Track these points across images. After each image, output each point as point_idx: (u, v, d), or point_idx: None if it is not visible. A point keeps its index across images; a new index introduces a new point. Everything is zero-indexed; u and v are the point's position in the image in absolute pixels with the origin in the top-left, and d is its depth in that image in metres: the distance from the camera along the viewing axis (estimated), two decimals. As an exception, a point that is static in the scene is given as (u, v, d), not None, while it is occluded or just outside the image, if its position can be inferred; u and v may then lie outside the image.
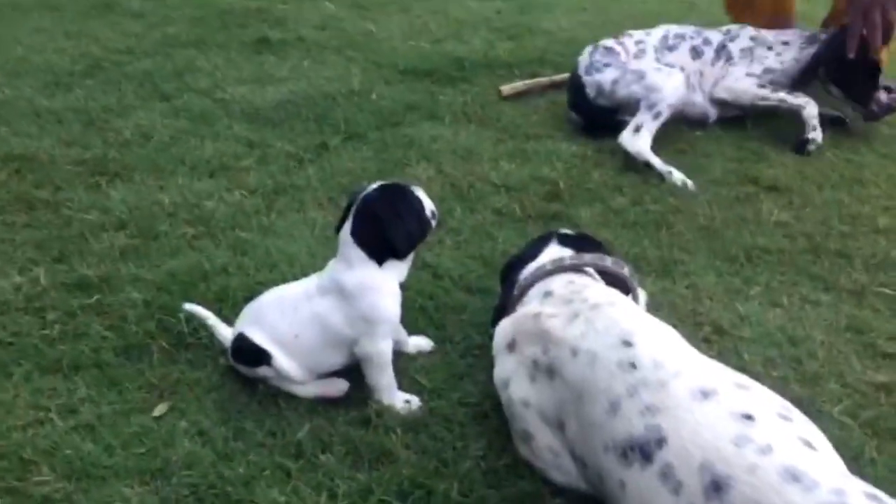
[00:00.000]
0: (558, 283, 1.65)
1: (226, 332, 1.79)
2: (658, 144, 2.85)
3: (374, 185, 1.71)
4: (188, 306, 1.83)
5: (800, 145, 2.91)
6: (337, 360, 1.72)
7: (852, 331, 1.99)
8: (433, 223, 1.76)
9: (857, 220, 2.48)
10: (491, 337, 1.68)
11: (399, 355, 1.81)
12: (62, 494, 1.47)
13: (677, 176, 2.69)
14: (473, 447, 1.61)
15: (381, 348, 1.68)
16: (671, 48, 3.15)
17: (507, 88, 3.36)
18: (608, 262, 1.73)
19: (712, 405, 1.25)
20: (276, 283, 2.02)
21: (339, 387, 1.73)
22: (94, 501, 1.46)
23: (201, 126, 2.97)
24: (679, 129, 3.08)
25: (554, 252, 1.78)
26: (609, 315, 1.48)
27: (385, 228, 1.65)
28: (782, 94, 3.03)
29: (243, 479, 1.51)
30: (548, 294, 1.63)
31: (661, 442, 1.24)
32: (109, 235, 2.24)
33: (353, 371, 1.74)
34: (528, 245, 1.91)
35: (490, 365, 1.68)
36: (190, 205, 2.42)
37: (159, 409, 1.68)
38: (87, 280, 2.04)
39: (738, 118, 3.12)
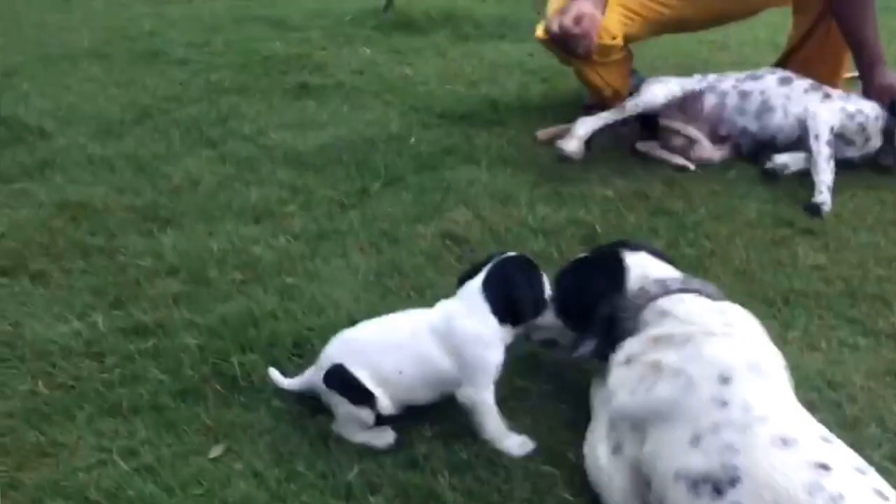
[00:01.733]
0: (673, 304, 1.71)
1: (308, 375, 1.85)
2: (691, 185, 2.90)
3: (513, 254, 1.87)
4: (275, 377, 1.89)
5: (813, 209, 2.85)
6: (430, 397, 1.80)
7: (892, 375, 2.01)
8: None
9: (893, 263, 2.50)
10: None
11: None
12: (126, 535, 1.53)
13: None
14: (518, 490, 1.65)
15: (484, 397, 1.75)
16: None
17: (542, 133, 3.43)
18: (711, 289, 1.79)
19: (790, 452, 1.30)
20: (324, 328, 2.11)
21: (387, 439, 1.78)
22: (156, 541, 1.52)
23: (246, 172, 3.08)
24: (712, 170, 3.13)
25: (649, 265, 1.83)
26: (717, 346, 1.55)
27: (517, 290, 1.77)
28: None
29: (297, 520, 1.57)
30: (665, 314, 1.68)
31: (734, 481, 1.30)
32: (163, 281, 2.33)
33: (403, 418, 1.79)
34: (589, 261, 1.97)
35: (533, 407, 1.73)
36: (238, 250, 2.51)
37: (215, 451, 1.74)
38: (143, 325, 2.13)
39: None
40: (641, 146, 3.28)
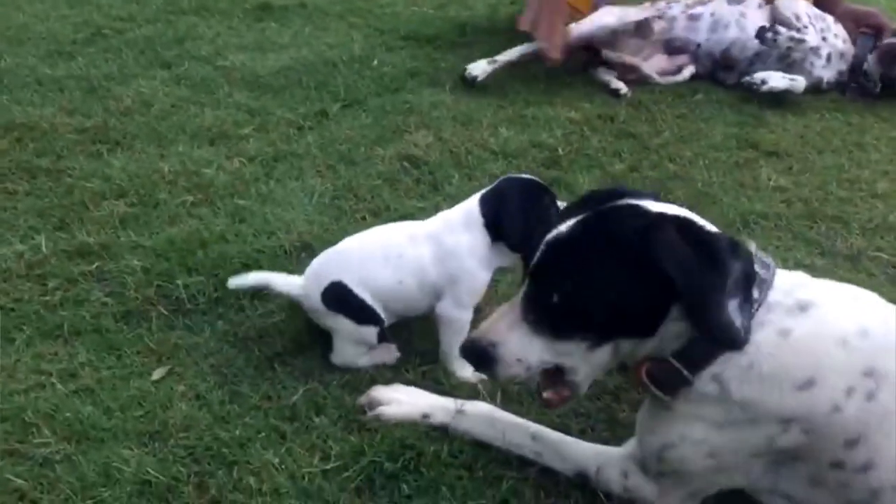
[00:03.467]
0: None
1: (289, 281, 1.75)
2: (657, 108, 2.85)
3: (528, 176, 1.76)
4: (234, 282, 1.76)
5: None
6: (424, 307, 1.74)
7: (846, 295, 2.00)
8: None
9: (855, 185, 2.48)
10: None
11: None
12: (62, 455, 1.50)
13: None
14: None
15: (460, 314, 1.71)
16: None
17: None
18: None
19: None
20: (273, 250, 2.07)
21: (393, 354, 1.76)
22: (93, 463, 1.49)
23: (202, 94, 2.98)
24: (679, 93, 3.08)
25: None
26: None
27: (508, 214, 1.67)
28: None
29: (239, 441, 1.55)
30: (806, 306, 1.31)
31: None
32: (110, 203, 2.27)
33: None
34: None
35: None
36: (189, 173, 2.44)
37: (158, 374, 1.71)
38: (88, 247, 2.07)
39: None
40: (593, 72, 3.21)
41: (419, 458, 1.51)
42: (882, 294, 1.97)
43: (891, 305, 1.37)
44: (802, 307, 1.31)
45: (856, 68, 3.11)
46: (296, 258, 2.04)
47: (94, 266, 2.00)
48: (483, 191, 1.75)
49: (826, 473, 1.30)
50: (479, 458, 1.52)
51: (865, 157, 2.67)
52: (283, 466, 1.49)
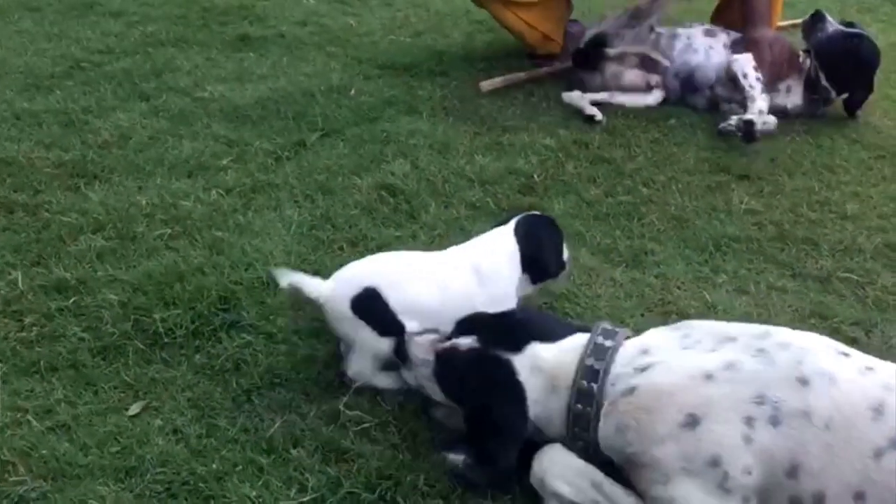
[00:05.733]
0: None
1: (316, 283, 1.76)
2: (632, 133, 2.90)
3: (541, 214, 2.01)
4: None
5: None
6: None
7: (817, 316, 2.04)
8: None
9: (825, 207, 2.53)
10: None
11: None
12: (38, 493, 1.50)
13: None
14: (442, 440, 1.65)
15: None
16: None
17: (486, 84, 3.38)
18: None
19: None
20: (251, 281, 2.08)
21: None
22: (69, 500, 1.49)
23: (180, 126, 3.00)
24: (653, 118, 3.12)
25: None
26: None
27: (545, 249, 1.89)
28: None
29: (216, 474, 1.55)
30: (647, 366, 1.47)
31: None
32: (87, 237, 2.27)
33: (328, 371, 1.78)
34: None
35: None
36: (167, 205, 2.45)
37: (134, 409, 1.71)
38: (65, 282, 2.07)
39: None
40: (566, 97, 3.25)
41: (396, 487, 1.52)
42: (851, 315, 2.03)
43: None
44: (644, 368, 1.43)
45: (810, 85, 3.16)
46: (274, 290, 2.05)
47: (71, 301, 2.01)
48: (512, 224, 1.91)
49: None
50: (457, 487, 1.53)
51: (835, 178, 2.72)
52: (260, 500, 1.50)
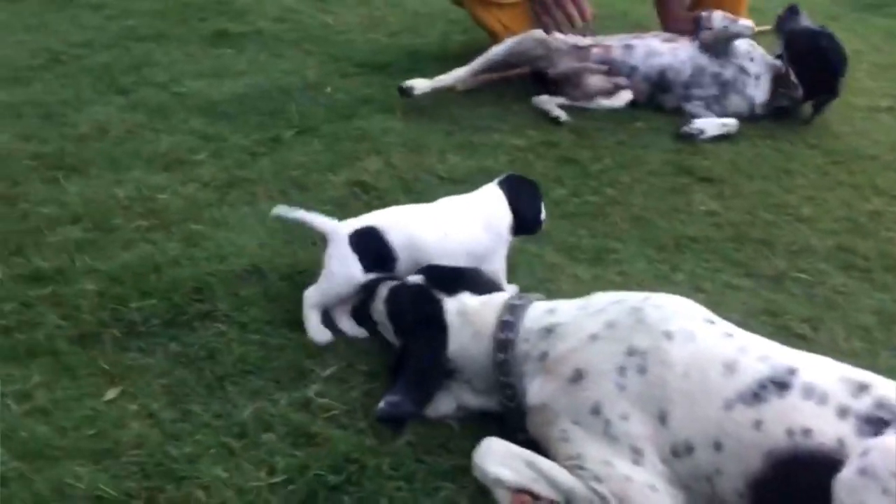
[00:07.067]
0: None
1: (325, 219, 2.00)
2: (599, 135, 2.99)
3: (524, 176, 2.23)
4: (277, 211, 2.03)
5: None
6: None
7: (768, 314, 2.13)
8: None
9: (781, 209, 2.63)
10: None
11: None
12: (16, 474, 1.56)
13: None
14: (407, 425, 1.72)
15: (503, 265, 2.10)
16: None
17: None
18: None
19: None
20: (225, 273, 2.14)
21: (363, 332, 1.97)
22: (46, 480, 1.55)
23: (158, 120, 3.05)
24: (620, 120, 3.21)
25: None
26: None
27: (529, 205, 2.11)
28: None
29: (189, 457, 1.61)
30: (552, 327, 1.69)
31: (793, 371, 1.43)
32: (65, 229, 2.32)
33: (300, 358, 1.85)
34: None
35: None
36: (144, 198, 2.50)
37: (110, 394, 1.77)
38: (43, 272, 2.12)
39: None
40: (535, 101, 3.33)
41: (362, 471, 1.60)
42: (801, 313, 2.13)
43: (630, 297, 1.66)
44: (549, 329, 1.64)
45: (779, 79, 3.28)
46: (247, 282, 2.12)
47: (49, 290, 2.06)
48: (496, 181, 2.14)
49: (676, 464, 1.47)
50: (419, 471, 1.61)
51: (792, 182, 2.83)
52: (231, 481, 1.56)
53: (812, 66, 3.20)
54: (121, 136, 2.90)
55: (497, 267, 2.06)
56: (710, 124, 3.13)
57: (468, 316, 1.73)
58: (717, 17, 3.22)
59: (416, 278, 1.83)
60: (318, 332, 1.93)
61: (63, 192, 2.52)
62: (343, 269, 1.92)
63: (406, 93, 3.18)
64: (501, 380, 1.67)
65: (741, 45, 3.29)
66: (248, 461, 1.61)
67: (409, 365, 1.71)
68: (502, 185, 2.12)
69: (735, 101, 3.24)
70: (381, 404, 1.67)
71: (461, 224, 2.03)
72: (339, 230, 1.96)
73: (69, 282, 2.09)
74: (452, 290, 1.77)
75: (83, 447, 1.63)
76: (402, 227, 1.97)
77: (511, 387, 1.66)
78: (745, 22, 3.24)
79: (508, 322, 1.68)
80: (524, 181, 2.17)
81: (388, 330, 1.86)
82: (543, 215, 2.15)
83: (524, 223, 2.10)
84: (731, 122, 3.09)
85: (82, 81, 3.33)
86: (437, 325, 1.73)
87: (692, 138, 3.08)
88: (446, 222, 2.02)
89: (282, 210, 2.04)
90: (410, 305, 1.79)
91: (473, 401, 1.75)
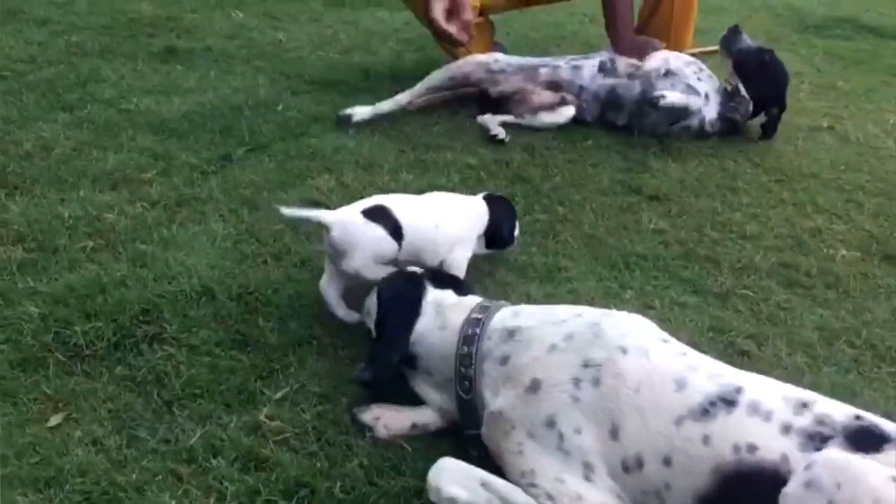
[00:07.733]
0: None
1: (323, 211, 2.07)
2: (550, 154, 3.02)
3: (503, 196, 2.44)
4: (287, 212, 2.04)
5: None
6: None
7: (715, 330, 2.17)
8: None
9: (727, 227, 2.69)
10: None
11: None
12: (-46, 505, 1.52)
13: None
14: (359, 447, 1.71)
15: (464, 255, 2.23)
16: None
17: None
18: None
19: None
20: (174, 294, 2.11)
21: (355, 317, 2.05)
22: (-14, 511, 1.51)
23: (104, 137, 2.99)
24: (571, 139, 3.25)
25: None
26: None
27: (505, 223, 2.29)
28: None
29: (135, 484, 1.58)
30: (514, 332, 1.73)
31: (739, 389, 1.47)
32: (7, 249, 2.26)
33: (251, 381, 1.83)
34: None
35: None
36: (90, 217, 2.45)
37: (54, 420, 1.73)
38: (-16, 294, 2.07)
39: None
40: (480, 119, 3.36)
41: (313, 495, 1.59)
42: (746, 329, 2.17)
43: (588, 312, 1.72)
44: (511, 333, 1.68)
45: (727, 95, 3.37)
46: (197, 303, 2.09)
47: (-10, 313, 2.01)
48: (480, 195, 2.34)
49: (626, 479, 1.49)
50: (372, 494, 1.61)
51: (737, 200, 2.89)
52: (179, 508, 1.54)
53: (760, 80, 3.33)
54: (66, 153, 2.85)
55: (458, 257, 2.19)
56: (673, 93, 3.21)
57: (442, 308, 1.81)
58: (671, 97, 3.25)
59: (414, 269, 1.97)
60: (346, 314, 2.05)
61: (5, 211, 2.46)
62: (372, 243, 2.00)
63: (345, 121, 3.19)
64: (461, 370, 1.70)
65: (689, 65, 3.36)
66: (197, 488, 1.59)
67: (379, 337, 1.83)
68: (485, 199, 2.31)
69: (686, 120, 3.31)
70: (355, 371, 1.81)
71: (452, 219, 2.18)
72: (349, 212, 2.04)
73: (11, 304, 2.04)
74: (439, 284, 1.88)
75: (25, 475, 1.59)
76: (403, 210, 2.08)
77: (469, 379, 1.70)
78: (693, 99, 3.28)
79: (477, 319, 1.74)
80: (502, 199, 2.37)
81: (370, 317, 1.90)
82: (517, 233, 2.32)
83: (499, 237, 2.27)
84: (694, 98, 3.22)
85: (26, 98, 3.26)
86: (411, 307, 1.82)
87: (655, 103, 3.18)
88: (439, 214, 2.16)
89: (290, 210, 2.06)
90: (398, 283, 1.90)
91: (431, 394, 1.80)
